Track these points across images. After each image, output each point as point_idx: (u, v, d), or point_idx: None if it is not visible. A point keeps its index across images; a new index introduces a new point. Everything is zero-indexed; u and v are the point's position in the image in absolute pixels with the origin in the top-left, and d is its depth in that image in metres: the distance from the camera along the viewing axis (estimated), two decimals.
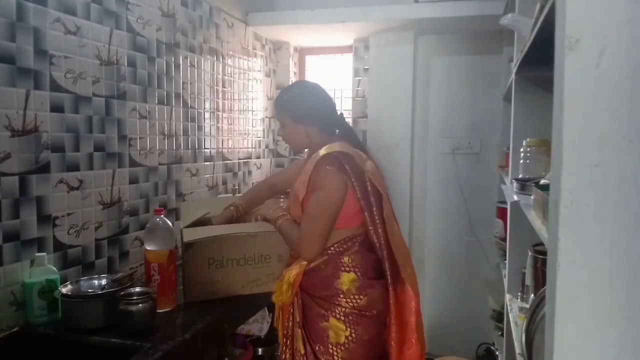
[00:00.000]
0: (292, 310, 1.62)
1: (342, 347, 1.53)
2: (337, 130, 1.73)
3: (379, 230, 1.59)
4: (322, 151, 1.58)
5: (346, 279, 1.56)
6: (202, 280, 1.78)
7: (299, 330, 1.59)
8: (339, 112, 1.76)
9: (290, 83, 1.82)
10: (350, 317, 1.54)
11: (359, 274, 1.57)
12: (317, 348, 1.56)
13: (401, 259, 1.60)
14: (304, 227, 1.57)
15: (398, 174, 3.19)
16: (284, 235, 1.68)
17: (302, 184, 1.60)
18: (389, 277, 1.60)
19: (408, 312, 1.61)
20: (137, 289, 1.58)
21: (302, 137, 1.69)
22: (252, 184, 3.12)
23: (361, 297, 1.55)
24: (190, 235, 1.78)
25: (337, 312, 1.55)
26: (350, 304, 1.55)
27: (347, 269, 1.57)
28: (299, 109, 1.67)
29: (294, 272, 1.62)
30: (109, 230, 1.90)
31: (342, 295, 1.56)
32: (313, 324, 1.58)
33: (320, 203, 1.55)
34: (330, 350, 1.54)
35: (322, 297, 1.58)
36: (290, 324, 1.62)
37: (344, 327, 1.54)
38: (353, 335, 1.53)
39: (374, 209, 1.58)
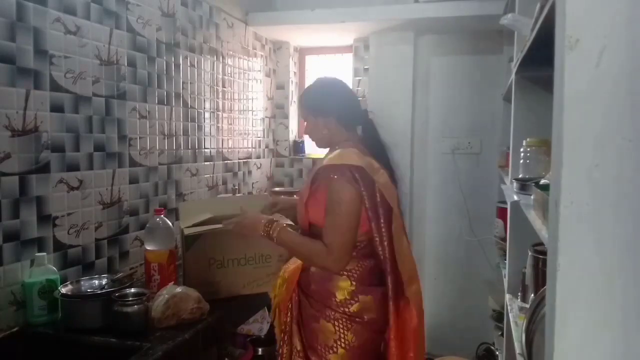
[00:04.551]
0: (290, 306, 1.62)
1: (330, 351, 1.51)
2: (360, 127, 1.69)
3: (385, 243, 1.54)
4: (332, 159, 1.54)
5: (339, 283, 1.53)
6: (202, 280, 1.78)
7: (296, 327, 1.59)
8: (362, 108, 1.70)
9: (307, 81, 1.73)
10: (340, 322, 1.51)
11: (352, 279, 1.54)
12: (308, 347, 1.55)
13: (407, 275, 1.55)
14: (333, 242, 1.50)
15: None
16: (288, 246, 1.58)
17: (306, 185, 1.60)
18: (390, 290, 1.54)
19: (409, 331, 1.56)
20: (132, 290, 1.58)
21: (321, 131, 1.65)
22: (252, 184, 3.13)
23: (352, 302, 1.52)
24: (191, 229, 1.79)
25: (328, 314, 1.52)
26: (341, 308, 1.52)
27: (341, 272, 1.54)
28: (316, 102, 1.65)
29: (290, 268, 1.63)
30: (109, 230, 1.90)
31: (333, 298, 1.53)
32: (306, 323, 1.57)
33: (344, 216, 1.50)
34: (319, 352, 1.52)
35: (315, 298, 1.56)
36: (289, 319, 1.61)
37: (334, 331, 1.51)
38: (342, 340, 1.51)
39: (381, 220, 1.54)
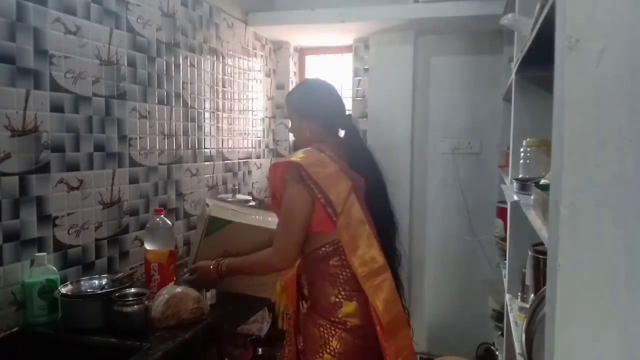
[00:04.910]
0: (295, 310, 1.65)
1: (317, 356, 1.51)
2: (343, 131, 1.71)
3: None
4: (282, 158, 1.60)
5: (325, 289, 1.53)
6: None
7: (296, 330, 1.63)
8: (346, 112, 1.73)
9: (297, 82, 1.75)
10: (325, 328, 1.51)
11: (337, 284, 1.52)
12: (301, 351, 1.58)
13: (363, 268, 1.49)
14: (278, 241, 1.55)
15: (398, 174, 3.19)
16: (239, 268, 1.66)
17: (272, 196, 1.66)
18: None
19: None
20: (132, 290, 1.58)
21: (304, 133, 1.67)
22: (252, 184, 3.13)
23: (336, 308, 1.51)
24: (219, 213, 1.75)
25: (315, 320, 1.53)
26: (326, 313, 1.52)
27: (325, 277, 1.53)
28: (302, 104, 1.68)
29: (288, 274, 1.65)
30: (109, 230, 1.90)
31: (320, 304, 1.53)
32: (301, 326, 1.60)
33: (286, 213, 1.53)
34: (308, 356, 1.54)
35: (307, 303, 1.58)
36: (292, 323, 1.64)
37: (319, 336, 1.51)
38: (327, 346, 1.50)
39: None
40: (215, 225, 1.75)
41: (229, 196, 2.49)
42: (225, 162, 2.78)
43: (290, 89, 3.45)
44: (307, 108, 1.67)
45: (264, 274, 1.68)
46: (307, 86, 1.77)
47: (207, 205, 1.84)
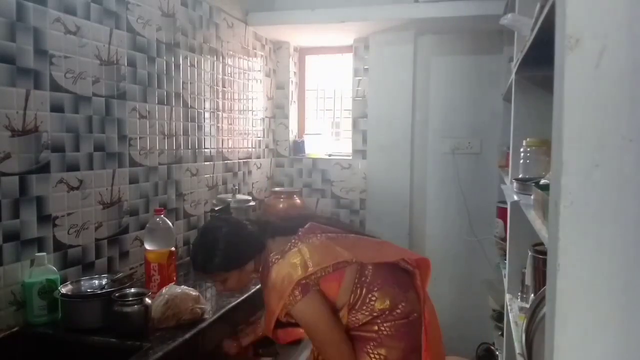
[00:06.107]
0: None
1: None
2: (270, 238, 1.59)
3: None
4: (284, 274, 1.44)
5: None
6: None
7: None
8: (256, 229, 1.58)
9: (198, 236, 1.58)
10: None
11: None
12: None
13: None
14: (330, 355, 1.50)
15: (398, 174, 3.19)
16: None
17: (279, 299, 1.45)
18: None
19: None
20: (132, 290, 1.58)
21: (248, 276, 1.57)
22: (252, 184, 3.13)
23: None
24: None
25: None
26: None
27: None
28: (225, 259, 1.50)
29: None
30: (109, 230, 1.90)
31: None
32: None
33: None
34: None
35: None
36: None
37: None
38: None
39: None
40: None
41: (229, 196, 2.49)
42: (225, 162, 2.78)
43: (290, 88, 3.45)
44: (231, 258, 1.50)
45: None
46: (206, 242, 1.51)
47: None
